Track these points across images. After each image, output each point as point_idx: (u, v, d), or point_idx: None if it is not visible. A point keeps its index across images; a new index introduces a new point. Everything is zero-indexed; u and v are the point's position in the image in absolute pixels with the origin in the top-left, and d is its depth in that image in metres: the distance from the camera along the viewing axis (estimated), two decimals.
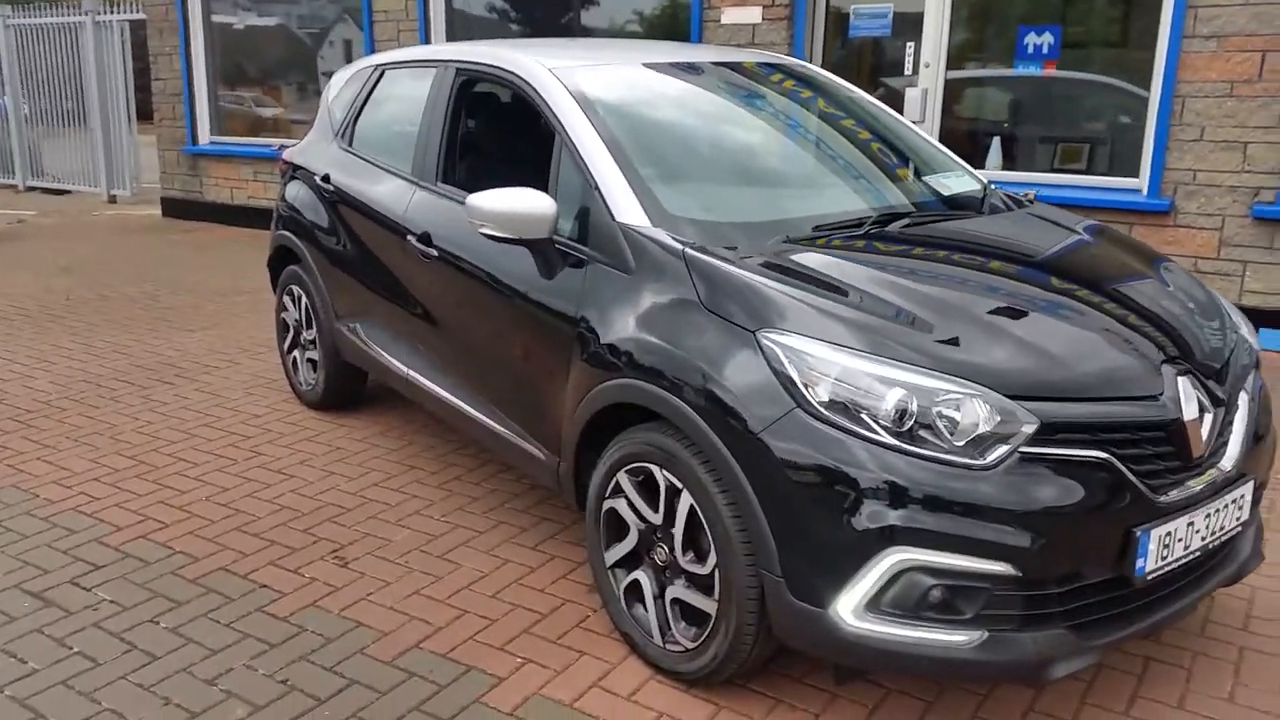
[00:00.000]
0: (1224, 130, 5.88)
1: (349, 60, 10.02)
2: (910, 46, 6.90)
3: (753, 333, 2.42)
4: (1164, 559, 2.34)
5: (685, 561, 2.59)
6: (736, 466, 2.37)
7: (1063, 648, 2.25)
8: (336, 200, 4.30)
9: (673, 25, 8.01)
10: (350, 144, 4.41)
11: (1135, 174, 6.27)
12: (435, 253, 3.52)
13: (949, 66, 6.80)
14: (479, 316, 3.38)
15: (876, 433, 2.23)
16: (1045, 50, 6.51)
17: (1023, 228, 3.20)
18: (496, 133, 4.13)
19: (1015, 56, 6.62)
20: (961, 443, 2.22)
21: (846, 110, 3.80)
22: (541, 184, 3.10)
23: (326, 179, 4.37)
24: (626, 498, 2.76)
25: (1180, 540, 2.37)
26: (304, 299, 4.65)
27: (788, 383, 2.33)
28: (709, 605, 2.54)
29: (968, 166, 3.68)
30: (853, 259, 2.71)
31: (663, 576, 2.71)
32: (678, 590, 2.64)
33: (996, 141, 6.76)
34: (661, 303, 2.67)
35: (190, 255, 8.85)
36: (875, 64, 7.20)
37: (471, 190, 3.46)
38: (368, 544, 3.46)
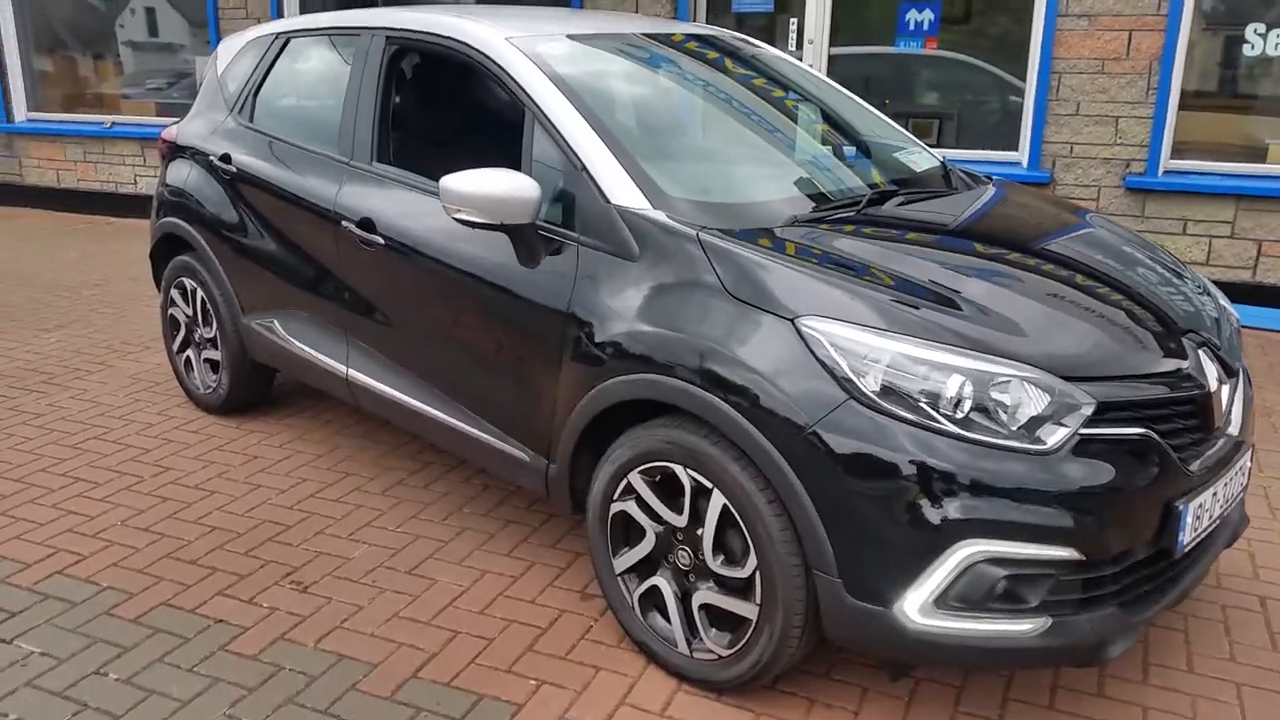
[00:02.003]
0: (1097, 105, 6.16)
1: (153, 31, 9.23)
2: (794, 22, 6.91)
3: (791, 320, 2.30)
4: (1197, 530, 2.38)
5: (716, 565, 2.45)
6: (785, 464, 2.24)
7: (1116, 627, 2.25)
8: (240, 182, 3.89)
9: None
10: (251, 120, 4.00)
11: (1014, 147, 6.49)
12: (380, 240, 3.22)
13: (831, 43, 6.85)
14: (442, 310, 3.11)
15: (938, 421, 2.16)
16: (926, 27, 6.64)
17: (1007, 206, 3.19)
18: (444, 108, 3.82)
19: (896, 33, 6.72)
20: (1018, 427, 2.17)
21: (803, 85, 3.71)
22: (507, 163, 2.87)
23: (227, 159, 3.95)
24: (639, 499, 2.60)
25: (1207, 510, 2.41)
26: (199, 293, 4.21)
27: (837, 372, 2.22)
28: (748, 610, 2.41)
29: (921, 143, 3.66)
30: (874, 240, 2.62)
31: (686, 581, 2.56)
32: (706, 595, 2.50)
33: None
34: (677, 291, 2.50)
35: (19, 245, 7.95)
36: (759, 39, 7.17)
37: (420, 171, 3.22)
38: (323, 564, 3.15)
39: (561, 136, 2.80)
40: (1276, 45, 5.82)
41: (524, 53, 3.01)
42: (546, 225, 2.78)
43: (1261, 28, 5.82)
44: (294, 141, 3.73)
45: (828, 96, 3.74)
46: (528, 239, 2.79)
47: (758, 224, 2.62)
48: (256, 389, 4.31)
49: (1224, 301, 2.93)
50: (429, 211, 3.08)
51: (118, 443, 4.05)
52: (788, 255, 2.45)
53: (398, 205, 3.21)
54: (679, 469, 2.47)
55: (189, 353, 4.40)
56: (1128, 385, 2.29)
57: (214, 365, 4.28)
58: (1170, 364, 2.38)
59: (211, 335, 4.21)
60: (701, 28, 4.02)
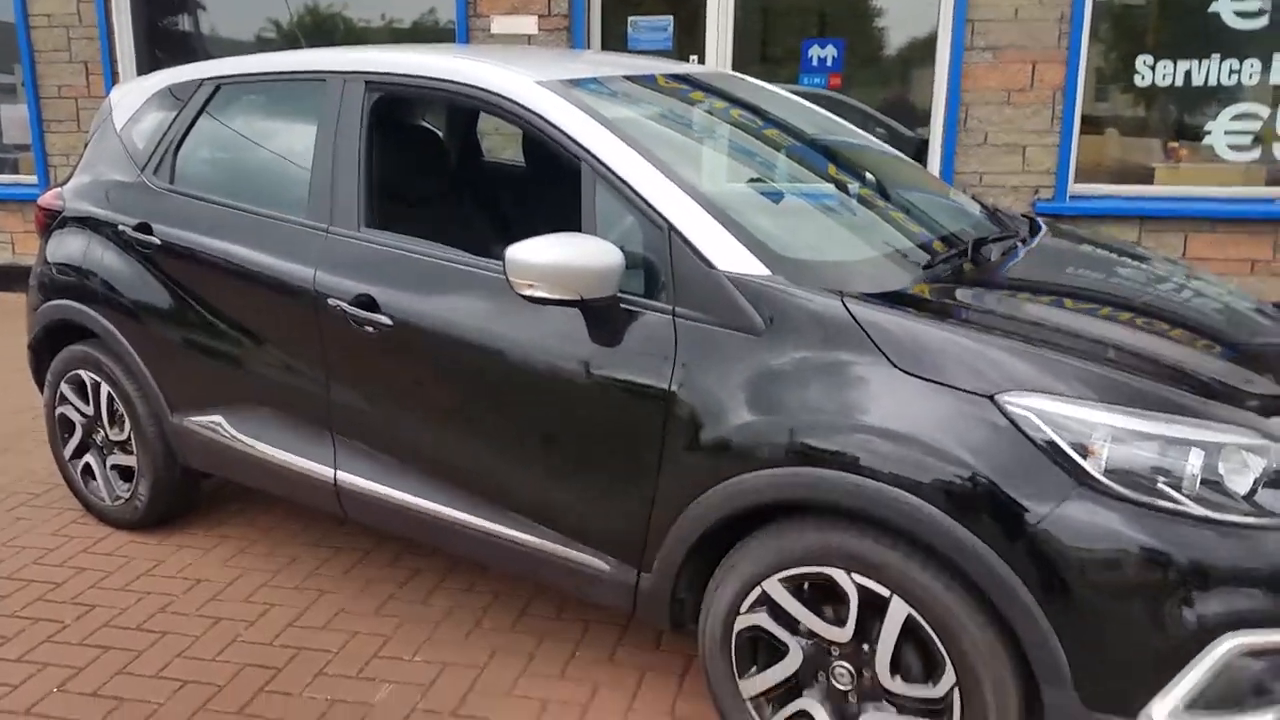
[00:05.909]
0: (1005, 135, 6.23)
1: None
2: (694, 59, 6.69)
3: (989, 398, 1.97)
4: None
5: (895, 684, 2.09)
6: (1007, 569, 1.91)
7: None
8: (165, 255, 3.23)
9: (318, 31, 7.18)
10: (171, 181, 3.34)
11: None
12: (387, 321, 2.69)
13: None
14: (485, 400, 2.59)
15: (1181, 503, 1.88)
16: (829, 63, 6.55)
17: (1093, 246, 3.02)
18: (451, 163, 3.27)
19: (800, 70, 6.61)
20: (1247, 498, 1.93)
21: (833, 127, 3.42)
22: (560, 226, 2.45)
23: (145, 229, 3.28)
24: (775, 609, 2.21)
25: None
26: (103, 387, 3.49)
27: (1059, 455, 1.91)
28: None
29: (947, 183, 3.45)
30: (1035, 300, 2.35)
31: (844, 704, 2.18)
32: (878, 718, 2.13)
33: None
34: (827, 370, 2.12)
35: None
36: None
37: (430, 238, 2.75)
38: (345, 715, 2.57)
39: (638, 194, 2.37)
40: (1163, 75, 6.05)
41: (565, 99, 2.57)
42: (627, 296, 2.36)
43: (1150, 59, 6.03)
44: (241, 206, 3.11)
45: (857, 140, 3.47)
46: (609, 314, 2.35)
47: (886, 285, 2.28)
48: (184, 499, 3.61)
49: None
50: (458, 284, 2.59)
51: (15, 578, 3.27)
52: (961, 322, 2.13)
53: (411, 279, 2.68)
54: (839, 574, 2.10)
55: (88, 458, 3.65)
56: None
57: (125, 472, 3.56)
58: None
59: (123, 437, 3.49)
60: (677, 65, 3.68)
